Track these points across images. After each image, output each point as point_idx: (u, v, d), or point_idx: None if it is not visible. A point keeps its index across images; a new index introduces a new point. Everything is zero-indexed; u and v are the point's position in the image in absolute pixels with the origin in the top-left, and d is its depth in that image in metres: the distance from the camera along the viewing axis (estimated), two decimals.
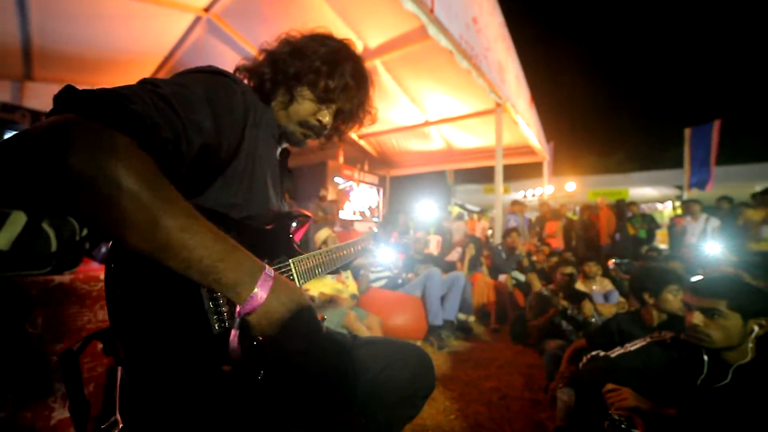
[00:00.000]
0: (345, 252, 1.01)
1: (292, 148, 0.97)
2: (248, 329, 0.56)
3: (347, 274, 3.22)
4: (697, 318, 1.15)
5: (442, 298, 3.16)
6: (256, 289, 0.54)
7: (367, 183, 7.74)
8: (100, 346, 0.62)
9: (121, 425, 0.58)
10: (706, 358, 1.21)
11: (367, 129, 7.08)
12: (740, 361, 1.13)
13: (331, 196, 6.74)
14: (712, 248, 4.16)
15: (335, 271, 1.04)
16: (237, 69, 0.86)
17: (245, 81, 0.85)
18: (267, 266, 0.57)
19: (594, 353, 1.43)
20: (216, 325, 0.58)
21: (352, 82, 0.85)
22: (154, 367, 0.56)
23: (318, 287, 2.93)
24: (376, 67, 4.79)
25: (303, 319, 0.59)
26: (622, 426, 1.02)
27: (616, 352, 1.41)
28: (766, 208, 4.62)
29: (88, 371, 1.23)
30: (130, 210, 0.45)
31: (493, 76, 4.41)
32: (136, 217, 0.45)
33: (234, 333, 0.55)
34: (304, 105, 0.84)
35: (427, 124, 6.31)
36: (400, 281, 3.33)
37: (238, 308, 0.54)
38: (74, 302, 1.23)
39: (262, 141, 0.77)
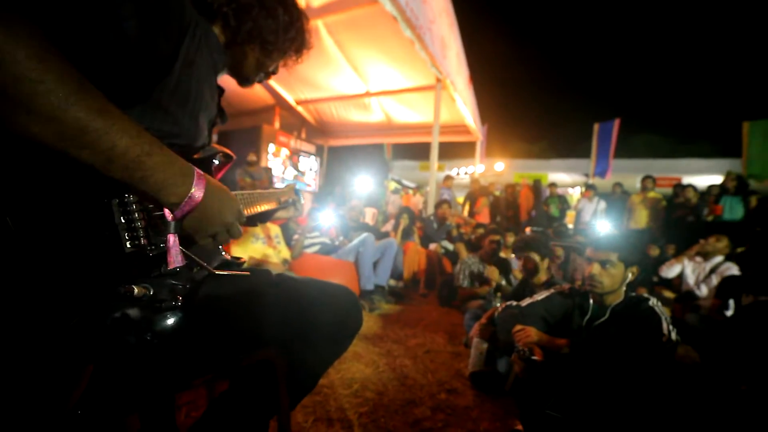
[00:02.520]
0: (267, 198, 0.97)
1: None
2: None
3: (279, 239, 3.13)
4: (596, 269, 1.37)
5: (375, 264, 3.24)
6: (193, 189, 0.51)
7: (304, 151, 7.46)
8: None
9: None
10: (591, 302, 1.44)
11: (305, 95, 6.76)
12: (615, 302, 1.38)
13: (264, 162, 6.38)
14: (602, 226, 4.93)
15: (260, 219, 0.98)
16: None
17: None
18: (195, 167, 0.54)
19: (508, 303, 1.61)
20: (128, 243, 0.52)
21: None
22: (44, 292, 0.49)
23: (247, 252, 2.80)
24: (318, 28, 4.55)
25: (232, 207, 0.61)
26: (525, 354, 1.18)
27: (526, 302, 1.60)
28: (643, 193, 5.57)
29: None
30: (30, 86, 0.38)
31: (436, 50, 4.47)
32: (40, 96, 0.38)
33: (173, 239, 0.52)
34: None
35: (368, 95, 6.22)
36: (337, 243, 3.34)
37: (168, 211, 0.51)
38: None
39: (201, 65, 0.66)
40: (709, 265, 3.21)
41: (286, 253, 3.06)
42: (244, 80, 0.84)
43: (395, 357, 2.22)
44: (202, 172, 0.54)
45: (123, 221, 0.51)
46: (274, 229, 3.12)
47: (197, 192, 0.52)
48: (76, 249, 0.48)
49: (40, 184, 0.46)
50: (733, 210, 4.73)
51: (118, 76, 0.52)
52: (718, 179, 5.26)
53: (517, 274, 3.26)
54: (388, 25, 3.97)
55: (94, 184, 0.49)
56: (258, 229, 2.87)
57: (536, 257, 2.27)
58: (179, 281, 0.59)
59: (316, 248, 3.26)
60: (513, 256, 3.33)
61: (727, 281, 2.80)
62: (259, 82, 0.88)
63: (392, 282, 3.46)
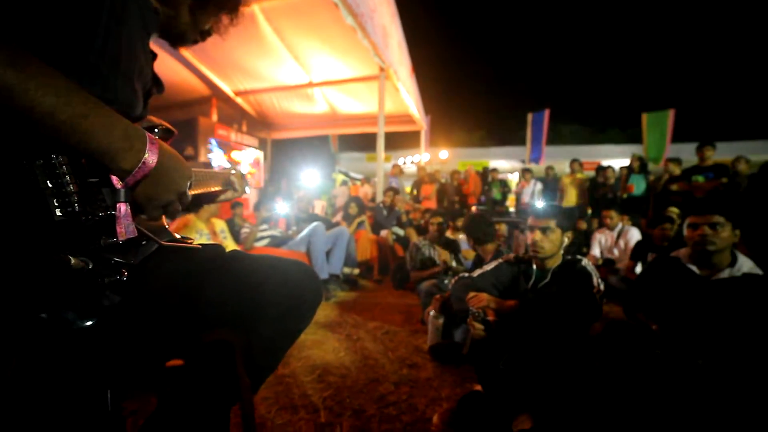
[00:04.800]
0: (215, 178, 0.91)
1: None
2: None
3: (225, 234, 2.96)
4: (537, 235, 1.49)
5: (328, 254, 3.21)
6: (146, 155, 0.48)
7: (246, 145, 7.09)
8: None
9: None
10: (534, 267, 1.57)
11: (244, 86, 6.41)
12: (555, 265, 1.52)
13: (204, 157, 5.96)
14: (540, 204, 5.43)
15: (206, 201, 0.92)
16: None
17: None
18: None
19: (461, 274, 1.70)
20: (58, 210, 0.45)
21: None
22: None
23: None
24: (255, 14, 4.31)
25: (184, 174, 0.58)
26: (479, 315, 1.26)
27: (477, 272, 1.70)
28: (572, 175, 6.18)
29: None
30: None
31: (378, 38, 4.48)
32: None
33: (123, 207, 0.48)
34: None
35: (310, 85, 6.06)
36: (290, 233, 3.25)
37: (117, 179, 0.48)
38: None
39: (130, 21, 0.59)
40: (614, 233, 3.87)
41: (233, 247, 2.91)
42: (178, 38, 0.76)
43: (355, 340, 2.24)
44: (154, 136, 0.51)
45: (50, 185, 0.45)
46: (219, 224, 2.95)
47: (151, 157, 0.49)
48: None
49: None
50: (638, 186, 5.44)
51: (31, 26, 0.45)
52: (628, 162, 5.97)
53: (465, 254, 3.44)
54: (328, 12, 3.89)
55: (10, 141, 0.43)
56: (202, 224, 2.69)
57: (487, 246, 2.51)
58: (122, 255, 0.54)
59: (265, 242, 3.15)
60: (461, 236, 3.50)
61: (637, 246, 3.28)
62: (194, 43, 0.81)
63: (346, 270, 3.46)
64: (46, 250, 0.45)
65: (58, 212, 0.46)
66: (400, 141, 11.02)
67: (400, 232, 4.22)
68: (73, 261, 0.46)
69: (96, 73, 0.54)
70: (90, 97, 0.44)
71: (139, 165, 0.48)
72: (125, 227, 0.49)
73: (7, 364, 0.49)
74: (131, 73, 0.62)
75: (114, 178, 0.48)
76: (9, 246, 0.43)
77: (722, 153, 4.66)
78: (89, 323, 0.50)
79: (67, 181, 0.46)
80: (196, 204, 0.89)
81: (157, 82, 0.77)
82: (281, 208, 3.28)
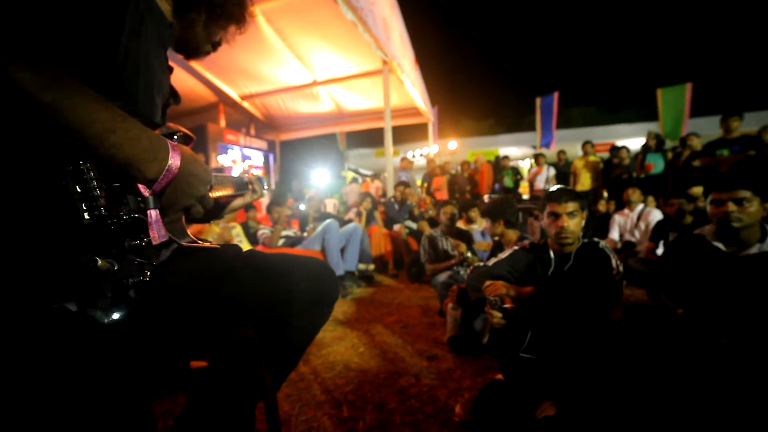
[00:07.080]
0: (229, 182, 0.92)
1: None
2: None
3: (240, 237, 3.02)
4: (566, 221, 1.45)
5: (342, 251, 3.23)
6: (170, 161, 0.50)
7: (254, 148, 7.17)
8: None
9: None
10: (552, 253, 1.54)
11: (250, 89, 6.46)
12: (575, 246, 1.48)
13: (214, 163, 6.05)
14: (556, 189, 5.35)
15: (218, 213, 0.93)
16: None
17: None
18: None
19: (476, 264, 1.68)
20: (86, 214, 0.48)
21: None
22: None
23: None
24: (256, 15, 4.35)
25: (205, 177, 0.61)
26: (497, 303, 1.25)
27: (492, 261, 1.67)
28: (585, 158, 6.03)
29: None
30: None
31: (379, 31, 4.44)
32: None
33: (154, 214, 0.51)
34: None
35: (315, 84, 6.07)
36: (305, 233, 3.29)
37: (144, 187, 0.50)
38: None
39: (147, 37, 0.62)
40: (635, 214, 3.65)
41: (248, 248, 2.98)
42: (193, 52, 0.80)
43: (373, 335, 2.25)
44: (175, 143, 0.53)
45: (79, 190, 0.47)
46: (234, 227, 3.01)
47: (174, 163, 0.51)
48: (23, 220, 0.44)
49: None
50: (656, 165, 5.26)
51: (58, 42, 0.47)
52: (643, 142, 5.77)
53: (480, 245, 3.40)
54: (328, 9, 3.88)
55: (44, 149, 0.45)
56: (217, 229, 2.75)
57: (510, 232, 2.44)
58: (145, 257, 0.55)
59: (281, 242, 3.19)
60: (475, 227, 3.46)
61: (657, 226, 3.17)
62: (206, 54, 0.84)
63: (361, 266, 3.47)
64: (76, 252, 0.47)
65: (86, 216, 0.48)
66: (408, 134, 10.99)
67: (413, 225, 4.21)
68: (100, 262, 0.48)
69: (118, 87, 0.57)
70: (117, 112, 0.47)
71: (164, 172, 0.50)
72: (157, 231, 0.52)
73: (41, 366, 0.51)
74: (151, 86, 0.65)
75: (141, 186, 0.51)
76: (42, 246, 0.46)
77: (746, 124, 4.32)
78: (116, 318, 0.52)
79: (94, 186, 0.48)
80: (218, 209, 0.92)
81: (174, 94, 0.79)
82: (302, 206, 3.35)
